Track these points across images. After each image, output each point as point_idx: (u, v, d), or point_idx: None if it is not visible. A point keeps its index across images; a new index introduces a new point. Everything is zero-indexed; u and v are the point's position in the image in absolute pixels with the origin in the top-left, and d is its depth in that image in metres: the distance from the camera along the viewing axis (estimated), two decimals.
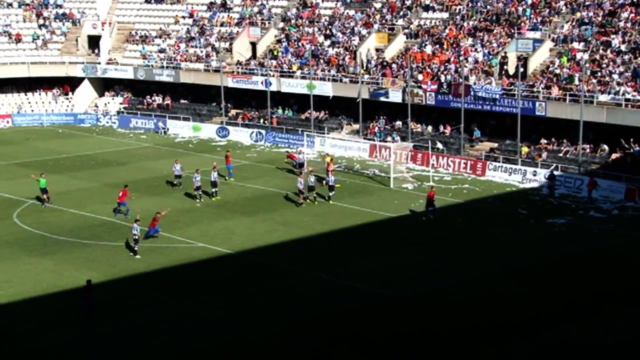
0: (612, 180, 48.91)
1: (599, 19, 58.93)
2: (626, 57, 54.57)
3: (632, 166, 49.95)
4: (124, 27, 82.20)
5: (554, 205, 47.34)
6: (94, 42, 79.92)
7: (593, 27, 58.36)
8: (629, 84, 52.05)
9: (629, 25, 57.11)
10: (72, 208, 46.45)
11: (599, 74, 53.95)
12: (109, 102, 78.01)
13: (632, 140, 51.03)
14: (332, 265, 36.86)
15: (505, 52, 59.50)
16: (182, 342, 28.98)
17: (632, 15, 57.80)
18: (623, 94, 51.38)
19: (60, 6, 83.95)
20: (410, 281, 34.98)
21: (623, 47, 55.53)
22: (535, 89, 55.39)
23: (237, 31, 75.65)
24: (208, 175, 48.42)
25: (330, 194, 47.76)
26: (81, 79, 78.28)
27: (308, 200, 47.00)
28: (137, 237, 37.92)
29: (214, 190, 47.93)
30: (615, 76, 53.13)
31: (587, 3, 60.90)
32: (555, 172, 50.43)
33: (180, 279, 35.56)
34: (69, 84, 78.76)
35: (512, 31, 61.29)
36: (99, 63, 78.07)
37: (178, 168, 50.41)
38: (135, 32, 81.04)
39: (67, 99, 78.23)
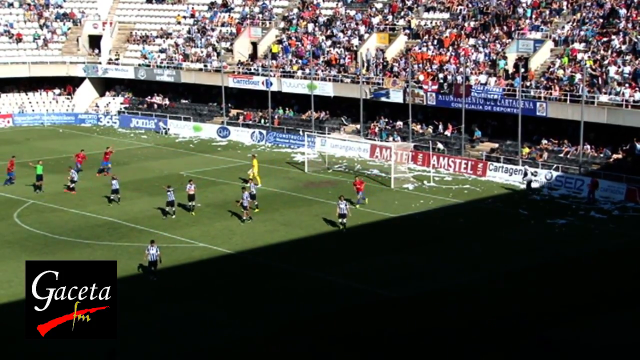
0: (613, 181, 48.93)
1: (600, 19, 58.91)
2: (627, 57, 54.56)
3: (632, 167, 49.95)
4: (124, 27, 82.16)
5: (555, 206, 47.32)
6: (94, 42, 79.92)
7: (594, 28, 58.31)
8: (627, 84, 52.09)
9: (629, 25, 57.09)
10: (73, 208, 46.46)
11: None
12: (109, 102, 77.99)
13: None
14: (332, 265, 36.87)
15: (506, 53, 59.50)
16: (183, 343, 28.99)
17: (633, 15, 57.77)
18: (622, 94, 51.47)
19: (61, 6, 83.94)
20: (410, 281, 34.99)
21: (624, 48, 55.52)
22: (535, 89, 55.36)
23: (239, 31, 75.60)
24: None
25: (343, 221, 42.07)
26: (82, 79, 78.28)
27: (251, 210, 44.27)
28: (154, 259, 34.95)
29: (190, 204, 45.24)
30: (616, 77, 53.12)
31: (587, 3, 60.88)
32: (530, 169, 51.08)
33: (181, 279, 35.56)
34: (69, 84, 78.77)
35: (513, 31, 61.23)
36: (100, 63, 78.09)
37: (115, 183, 47.45)
38: (136, 32, 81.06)
39: (68, 98, 78.25)
